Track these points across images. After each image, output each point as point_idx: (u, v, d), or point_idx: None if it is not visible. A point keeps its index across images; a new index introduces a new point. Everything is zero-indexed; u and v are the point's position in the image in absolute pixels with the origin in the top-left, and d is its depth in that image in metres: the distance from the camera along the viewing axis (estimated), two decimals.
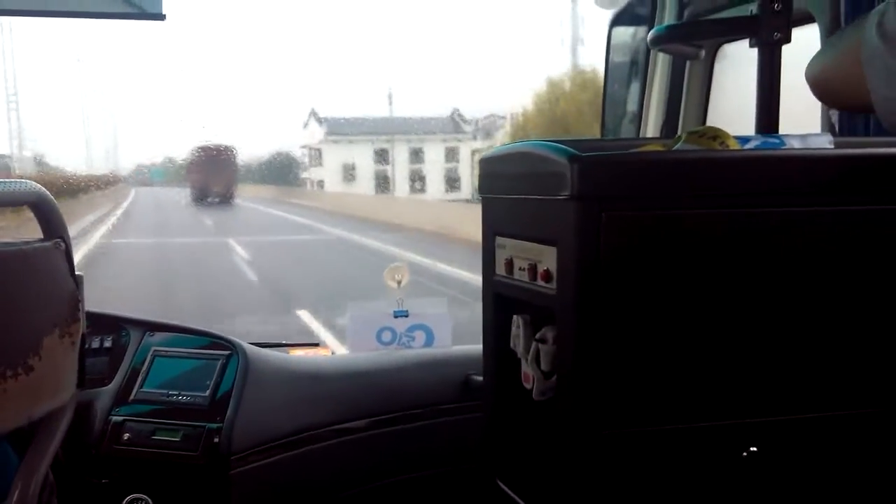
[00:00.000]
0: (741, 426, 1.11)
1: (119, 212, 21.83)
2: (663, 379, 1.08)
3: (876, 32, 0.84)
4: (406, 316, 2.12)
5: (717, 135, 1.17)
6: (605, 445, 1.06)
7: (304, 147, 29.01)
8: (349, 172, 27.58)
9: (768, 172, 1.10)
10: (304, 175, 29.19)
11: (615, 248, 1.04)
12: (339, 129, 28.09)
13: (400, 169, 27.10)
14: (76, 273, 1.13)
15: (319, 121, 28.22)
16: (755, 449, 1.11)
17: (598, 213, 1.03)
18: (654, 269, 1.06)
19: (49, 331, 1.05)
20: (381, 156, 26.69)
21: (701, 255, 1.07)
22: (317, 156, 28.64)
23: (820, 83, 1.09)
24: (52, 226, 1.09)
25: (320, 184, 28.88)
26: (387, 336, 2.12)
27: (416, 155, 27.34)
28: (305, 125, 28.84)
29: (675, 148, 1.18)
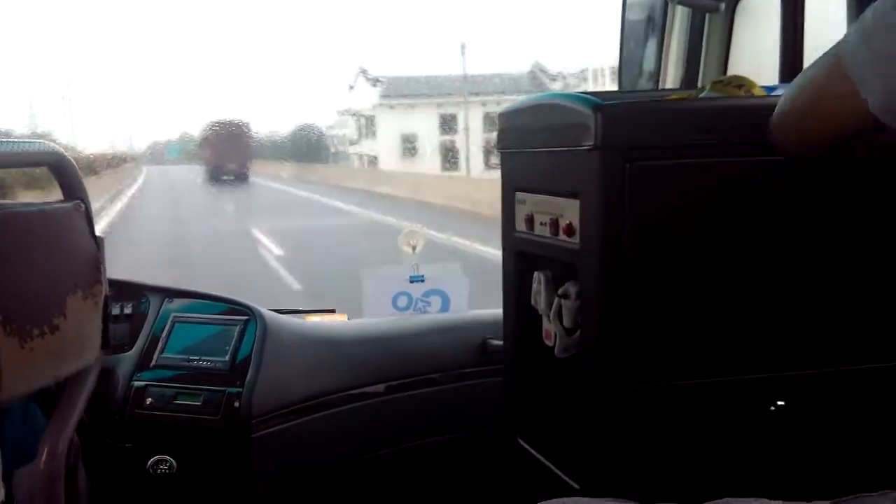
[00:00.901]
0: (768, 380, 1.09)
1: (119, 203, 16.23)
2: (689, 333, 1.06)
3: (855, 38, 0.82)
4: (422, 281, 2.10)
5: (743, 83, 1.15)
6: (632, 400, 1.05)
7: (347, 113, 23.44)
8: (409, 145, 22.01)
9: None
10: (352, 149, 23.61)
11: (640, 200, 1.02)
12: (398, 90, 22.20)
13: (473, 138, 19.88)
14: (97, 235, 1.13)
15: (372, 81, 22.24)
16: (782, 403, 1.09)
17: (622, 164, 1.01)
18: (679, 220, 1.04)
19: (72, 291, 1.05)
20: (449, 123, 20.87)
21: (728, 205, 1.05)
22: (367, 125, 22.90)
23: (787, 122, 1.01)
24: (72, 187, 1.09)
25: (371, 160, 22.84)
26: (402, 301, 2.11)
27: (493, 122, 18.85)
28: (352, 88, 22.90)
29: (699, 97, 1.16)
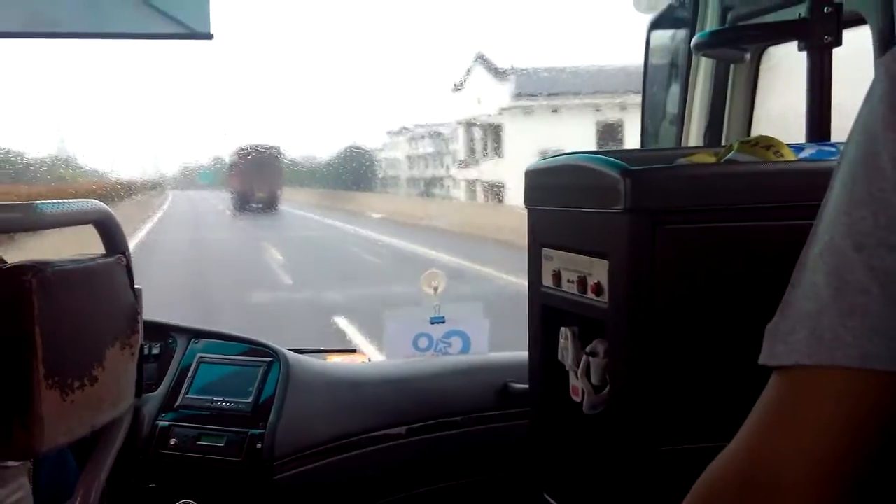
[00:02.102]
0: None
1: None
2: (719, 393, 1.06)
3: None
4: (443, 322, 2.11)
5: (772, 144, 1.15)
6: (662, 462, 1.05)
7: (460, 124, 15.96)
8: None
9: (825, 184, 1.07)
10: (460, 174, 16.61)
11: (669, 262, 1.03)
12: (537, 86, 14.51)
13: None
14: (135, 286, 1.16)
15: (497, 74, 14.65)
16: None
17: (650, 227, 1.02)
18: (709, 282, 1.04)
19: (111, 342, 1.08)
20: (611, 133, 12.76)
21: (756, 268, 1.05)
22: (490, 135, 15.67)
23: None
24: (115, 242, 1.13)
25: (494, 189, 14.65)
26: (423, 342, 2.12)
27: None
28: (459, 86, 14.90)
29: (727, 158, 1.17)
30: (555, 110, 14.66)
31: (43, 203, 1.02)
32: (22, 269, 0.94)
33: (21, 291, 0.92)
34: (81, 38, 1.61)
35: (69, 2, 1.59)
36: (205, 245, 14.57)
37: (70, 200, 1.04)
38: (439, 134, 18.44)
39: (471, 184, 16.43)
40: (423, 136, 19.56)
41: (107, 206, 1.11)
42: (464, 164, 16.37)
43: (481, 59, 14.85)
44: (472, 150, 16.23)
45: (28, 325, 0.92)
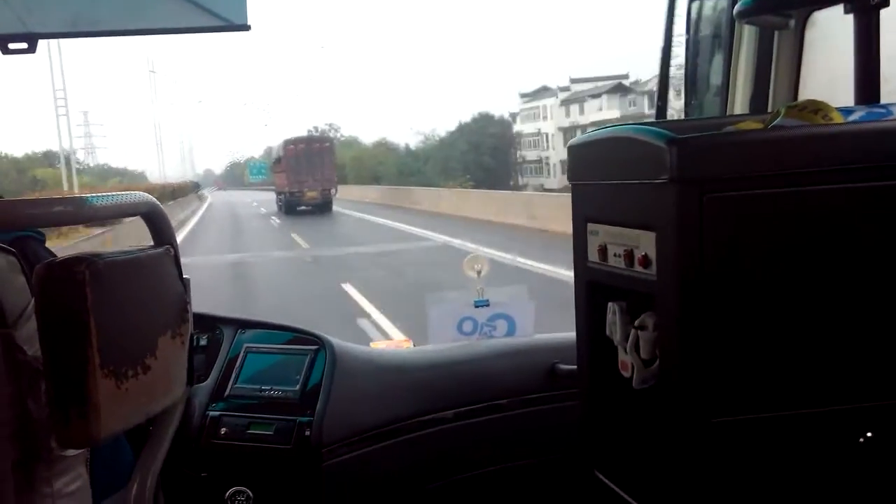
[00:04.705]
0: (855, 411, 1.06)
1: None
2: (772, 363, 1.04)
3: None
4: (487, 305, 2.10)
5: (819, 107, 1.12)
6: (715, 434, 1.03)
7: None
8: None
9: (878, 145, 1.04)
10: None
11: (717, 232, 1.01)
12: None
13: None
14: (184, 276, 1.18)
15: None
16: (871, 434, 1.06)
17: (698, 197, 1.00)
18: (759, 250, 1.02)
19: (163, 331, 1.10)
20: None
21: (807, 235, 1.03)
22: None
23: None
24: (163, 233, 1.15)
25: None
26: (468, 326, 2.11)
27: None
28: None
29: (774, 123, 1.14)
30: None
31: (93, 196, 1.04)
32: (75, 261, 0.96)
33: (75, 283, 0.94)
34: (121, 35, 1.64)
35: (109, 1, 1.61)
36: (247, 293, 11.91)
37: (118, 193, 1.05)
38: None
39: None
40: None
41: (154, 199, 1.12)
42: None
43: None
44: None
45: (83, 315, 0.94)
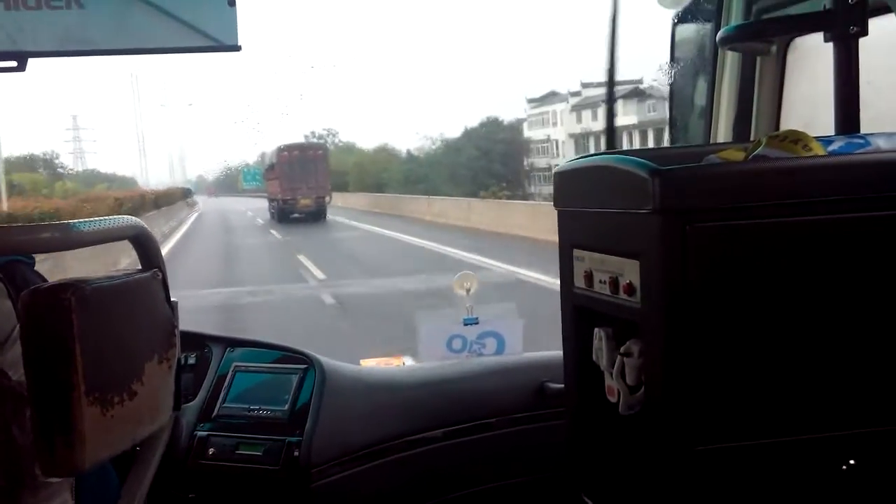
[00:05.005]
0: (838, 438, 1.07)
1: None
2: (755, 391, 1.05)
3: None
4: (476, 323, 2.11)
5: (799, 138, 1.14)
6: (699, 461, 1.04)
7: None
8: None
9: (857, 177, 1.06)
10: None
11: (700, 261, 1.02)
12: None
13: None
14: (171, 300, 1.17)
15: None
16: (854, 462, 1.07)
17: (681, 227, 1.01)
18: (741, 281, 1.03)
19: (150, 356, 1.09)
20: None
21: (789, 265, 1.04)
22: None
23: None
24: (151, 257, 1.15)
25: None
26: (457, 344, 2.12)
27: None
28: None
29: (755, 153, 1.15)
30: None
31: (80, 221, 1.03)
32: (61, 288, 0.95)
33: (61, 309, 0.94)
34: (111, 55, 1.64)
35: (99, 20, 1.62)
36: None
37: (106, 217, 1.05)
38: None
39: None
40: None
41: (142, 222, 1.12)
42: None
43: None
44: None
45: (69, 342, 0.94)
